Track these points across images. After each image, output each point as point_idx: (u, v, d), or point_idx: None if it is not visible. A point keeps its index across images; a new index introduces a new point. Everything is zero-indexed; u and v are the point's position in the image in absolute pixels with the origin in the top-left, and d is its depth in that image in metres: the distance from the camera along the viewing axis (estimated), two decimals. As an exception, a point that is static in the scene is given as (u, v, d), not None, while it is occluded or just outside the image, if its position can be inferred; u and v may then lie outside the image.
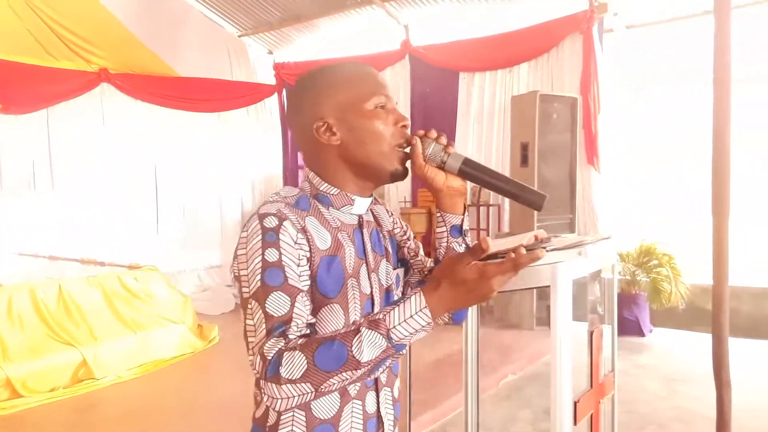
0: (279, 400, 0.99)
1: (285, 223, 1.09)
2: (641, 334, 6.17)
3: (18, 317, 4.44)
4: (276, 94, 8.99)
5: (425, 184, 1.24)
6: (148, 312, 5.13)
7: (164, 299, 5.32)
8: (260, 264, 1.06)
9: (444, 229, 1.28)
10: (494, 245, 1.53)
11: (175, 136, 7.93)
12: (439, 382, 4.48)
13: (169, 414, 4.10)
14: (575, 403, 1.40)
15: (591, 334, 1.56)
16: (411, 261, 1.37)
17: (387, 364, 1.06)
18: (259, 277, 1.05)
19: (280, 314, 1.03)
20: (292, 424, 1.14)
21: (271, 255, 1.06)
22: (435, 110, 7.81)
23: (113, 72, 7.24)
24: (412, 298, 1.00)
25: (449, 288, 1.00)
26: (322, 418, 1.14)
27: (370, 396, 1.20)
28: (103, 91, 7.29)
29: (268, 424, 1.16)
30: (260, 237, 1.08)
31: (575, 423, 1.40)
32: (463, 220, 1.28)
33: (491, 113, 7.34)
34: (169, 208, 7.80)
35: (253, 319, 1.05)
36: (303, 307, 1.06)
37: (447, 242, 1.29)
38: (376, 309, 1.20)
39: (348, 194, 1.21)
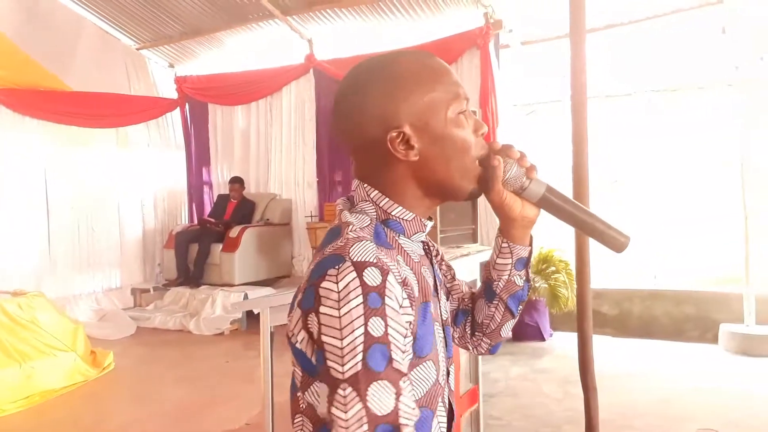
0: None
1: (389, 278, 0.84)
2: (542, 338, 6.39)
3: None
4: (178, 108, 8.79)
5: (498, 210, 1.06)
6: (34, 341, 4.83)
7: (52, 326, 5.02)
8: (362, 339, 0.80)
9: (509, 261, 1.12)
10: None
11: (69, 154, 7.57)
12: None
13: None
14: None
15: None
16: (449, 286, 1.22)
17: None
18: (360, 357, 0.80)
19: (384, 412, 0.79)
20: None
21: (377, 328, 0.81)
22: (340, 124, 7.82)
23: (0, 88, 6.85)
24: None
25: None
26: None
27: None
28: (-12, 107, 6.88)
29: None
30: (362, 300, 0.81)
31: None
32: (530, 252, 1.13)
33: (395, 126, 7.43)
34: (62, 228, 7.39)
35: (345, 411, 0.79)
36: (410, 402, 0.83)
37: (509, 275, 1.13)
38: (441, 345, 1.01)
39: (421, 219, 1.00)
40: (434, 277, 1.03)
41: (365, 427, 0.78)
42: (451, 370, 1.07)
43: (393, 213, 0.97)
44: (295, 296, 0.90)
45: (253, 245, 7.34)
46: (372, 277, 0.83)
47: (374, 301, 0.81)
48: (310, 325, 0.85)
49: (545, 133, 7.69)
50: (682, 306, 6.59)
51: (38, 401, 4.60)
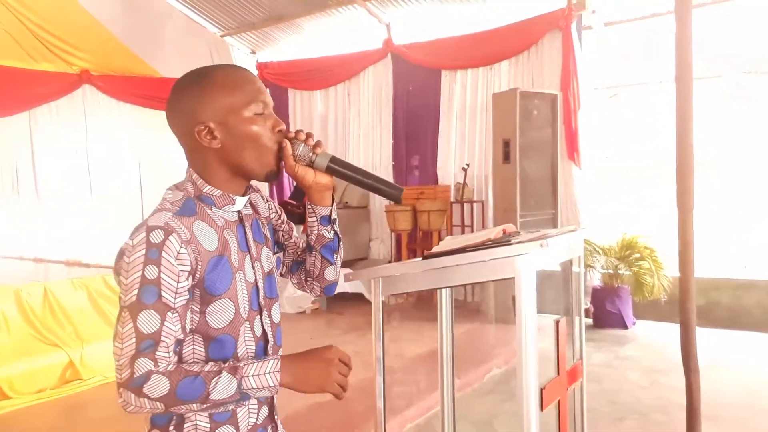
0: (131, 406, 1.11)
1: (171, 237, 1.15)
2: (624, 326, 6.27)
3: (3, 319, 4.44)
4: (260, 94, 9.02)
5: (297, 181, 1.35)
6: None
7: (150, 300, 5.33)
8: (139, 279, 1.12)
9: (315, 219, 1.42)
10: (464, 239, 1.60)
11: (158, 137, 7.93)
12: (425, 376, 4.54)
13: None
14: (542, 390, 1.46)
15: (556, 323, 1.62)
16: (286, 243, 1.52)
17: (227, 406, 1.20)
18: (136, 292, 1.12)
19: (149, 331, 1.11)
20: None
21: (151, 272, 1.13)
22: (418, 108, 7.87)
23: (95, 74, 7.23)
24: (271, 360, 1.17)
25: (302, 361, 1.21)
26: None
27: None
28: (84, 93, 7.28)
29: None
30: (144, 251, 1.14)
31: (542, 409, 1.46)
32: (331, 210, 1.42)
33: (473, 110, 7.41)
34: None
35: (122, 327, 1.12)
36: (172, 326, 1.14)
37: (318, 230, 1.44)
38: (261, 294, 1.33)
39: (229, 195, 1.29)
40: (245, 236, 1.31)
41: (134, 340, 1.10)
42: (273, 309, 1.37)
43: (204, 190, 1.27)
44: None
45: (332, 227, 7.48)
46: (156, 236, 1.15)
47: (153, 254, 1.13)
48: (116, 267, 1.20)
49: (629, 116, 7.48)
50: (775, 296, 6.33)
51: (138, 369, 4.89)
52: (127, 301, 1.12)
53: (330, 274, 1.49)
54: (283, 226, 1.50)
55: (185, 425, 1.22)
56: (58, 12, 6.68)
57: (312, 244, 1.46)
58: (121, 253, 1.18)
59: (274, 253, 1.44)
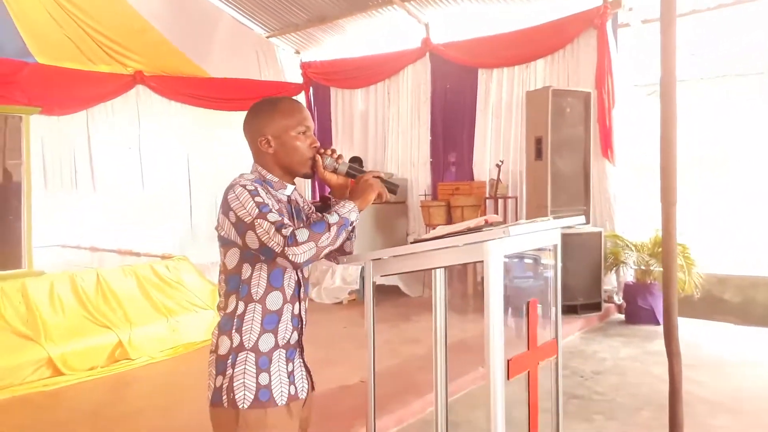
0: (296, 255, 1.60)
1: (259, 188, 1.73)
2: (656, 322, 6.26)
3: (59, 302, 4.83)
4: (303, 92, 9.34)
5: (325, 182, 1.90)
6: (179, 298, 5.49)
7: (194, 287, 5.68)
8: (254, 203, 1.67)
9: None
10: (446, 228, 1.80)
11: (207, 135, 8.34)
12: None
13: (196, 391, 4.43)
14: (508, 361, 1.63)
15: (528, 304, 1.79)
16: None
17: (343, 235, 1.71)
18: (256, 211, 1.65)
19: (276, 219, 1.64)
20: (253, 311, 1.74)
21: (259, 199, 1.68)
22: (455, 105, 8.03)
23: (148, 74, 7.65)
24: (346, 202, 1.77)
25: (357, 192, 1.81)
26: (272, 309, 1.76)
27: (296, 304, 1.81)
28: (138, 93, 7.72)
29: (237, 313, 1.75)
30: (248, 192, 1.69)
31: (508, 378, 1.64)
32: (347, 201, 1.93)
33: (509, 107, 7.53)
34: (202, 203, 8.21)
35: (261, 229, 1.63)
36: (285, 217, 1.71)
37: None
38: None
39: (283, 182, 1.87)
40: (289, 212, 1.84)
41: (273, 228, 1.62)
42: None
43: (267, 177, 1.84)
44: (219, 208, 1.75)
45: (370, 221, 7.73)
46: (250, 186, 1.71)
47: (254, 192, 1.69)
48: (229, 215, 1.69)
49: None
50: (814, 295, 6.24)
51: (182, 352, 5.23)
52: (254, 215, 1.64)
53: (348, 246, 1.99)
54: (312, 214, 2.01)
55: (239, 355, 1.73)
56: (114, 16, 7.14)
57: None
58: (226, 205, 1.71)
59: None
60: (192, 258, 6.20)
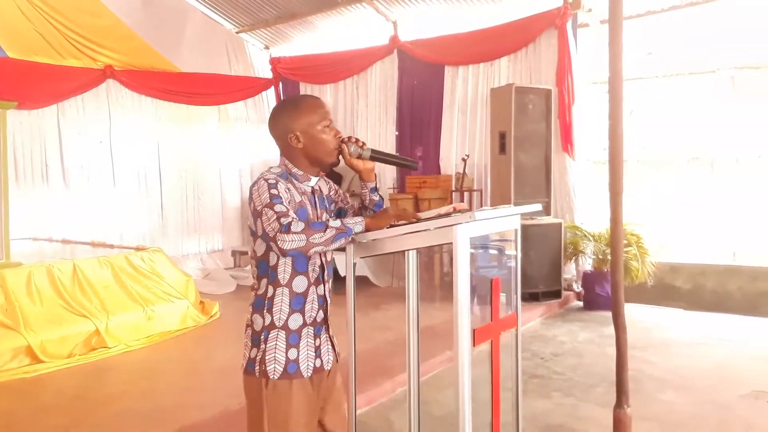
0: (287, 242, 1.77)
1: (279, 183, 1.92)
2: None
3: (36, 292, 4.92)
4: (273, 87, 9.47)
5: (352, 168, 2.10)
6: (154, 289, 5.62)
7: (168, 277, 5.81)
8: (268, 194, 1.87)
9: (366, 191, 2.21)
10: (423, 215, 2.03)
11: (177, 129, 8.42)
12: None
13: (173, 376, 4.60)
14: (474, 331, 1.85)
15: (491, 281, 2.02)
16: (345, 207, 2.25)
17: (341, 241, 1.89)
18: (269, 200, 1.85)
19: (282, 209, 1.83)
20: (282, 294, 1.95)
21: (275, 191, 1.88)
22: (421, 101, 8.27)
23: (118, 69, 7.70)
24: (358, 217, 1.97)
25: (376, 215, 2.02)
26: (298, 291, 1.97)
27: (320, 286, 2.03)
28: (108, 87, 7.76)
29: (267, 296, 1.96)
30: (267, 186, 1.89)
31: (474, 345, 1.86)
32: (375, 183, 2.21)
33: (474, 104, 7.79)
34: (173, 196, 8.30)
35: (267, 215, 1.83)
36: (291, 210, 1.90)
37: (369, 196, 2.22)
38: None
39: (308, 174, 2.05)
40: (312, 202, 2.04)
41: (276, 216, 1.81)
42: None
43: (293, 171, 2.03)
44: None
45: (340, 214, 7.90)
46: (271, 181, 1.90)
47: (273, 187, 1.88)
48: (251, 206, 1.91)
49: (626, 110, 7.78)
50: (757, 282, 6.64)
51: (157, 340, 5.36)
52: (265, 203, 1.84)
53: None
54: (340, 196, 2.23)
55: (271, 332, 1.95)
56: (84, 13, 7.16)
57: (366, 205, 2.22)
58: (251, 195, 1.92)
59: (330, 213, 2.19)
60: (165, 251, 6.32)
